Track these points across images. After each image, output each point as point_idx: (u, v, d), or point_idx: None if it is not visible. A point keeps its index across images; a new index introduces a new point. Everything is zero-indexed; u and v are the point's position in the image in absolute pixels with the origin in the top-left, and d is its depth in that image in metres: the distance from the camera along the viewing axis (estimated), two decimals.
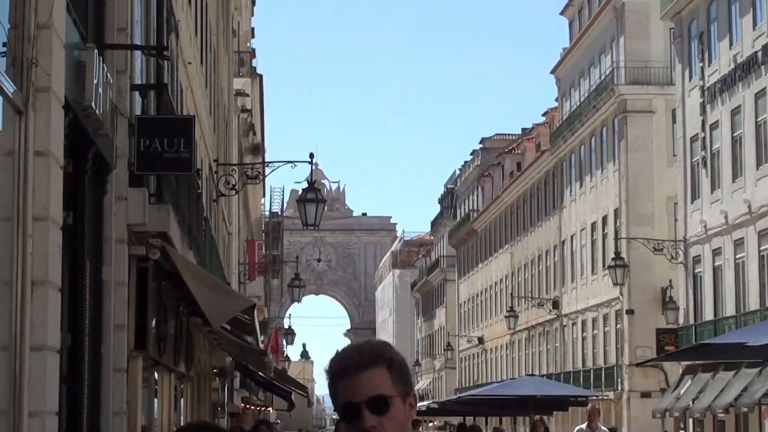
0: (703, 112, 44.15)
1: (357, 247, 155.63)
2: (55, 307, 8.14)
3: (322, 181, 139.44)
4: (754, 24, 40.26)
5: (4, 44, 7.78)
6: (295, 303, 56.36)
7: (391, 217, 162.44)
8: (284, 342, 59.62)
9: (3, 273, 7.69)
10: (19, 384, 7.65)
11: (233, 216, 38.99)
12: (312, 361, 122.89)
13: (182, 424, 16.80)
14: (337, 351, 3.49)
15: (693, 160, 45.46)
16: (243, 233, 49.61)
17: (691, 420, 44.53)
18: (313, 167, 23.20)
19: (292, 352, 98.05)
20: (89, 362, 10.59)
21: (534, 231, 70.63)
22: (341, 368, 3.38)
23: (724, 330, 39.30)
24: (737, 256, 41.39)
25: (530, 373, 54.61)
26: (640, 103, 53.28)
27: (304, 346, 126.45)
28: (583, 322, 60.06)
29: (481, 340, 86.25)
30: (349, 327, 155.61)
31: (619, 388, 53.22)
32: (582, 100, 59.89)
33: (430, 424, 64.68)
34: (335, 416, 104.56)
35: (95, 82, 9.78)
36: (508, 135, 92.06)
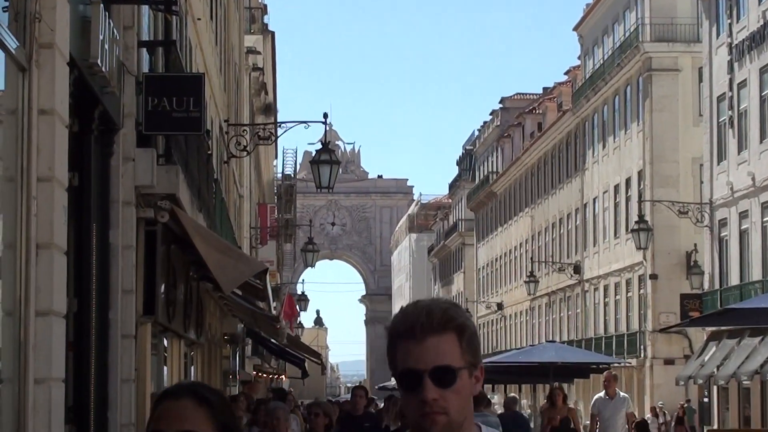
0: (731, 70, 43.69)
1: (372, 210, 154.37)
2: (60, 271, 8.14)
3: (337, 142, 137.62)
4: None
5: None
6: (309, 268, 55.56)
7: (407, 179, 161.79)
8: (297, 308, 58.81)
9: (7, 236, 7.66)
10: (25, 350, 7.63)
11: (244, 178, 38.78)
12: (326, 328, 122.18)
13: None
14: (402, 308, 3.23)
15: (720, 120, 45.13)
16: (254, 196, 49.72)
17: (715, 387, 44.39)
18: (327, 128, 22.92)
19: (306, 318, 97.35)
20: (96, 328, 10.66)
21: (555, 194, 70.48)
22: (406, 329, 3.13)
23: (751, 295, 38.92)
24: (765, 219, 41.17)
25: (551, 339, 54.05)
26: (665, 61, 53.23)
27: (318, 312, 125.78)
28: (606, 288, 60.00)
29: (500, 306, 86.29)
30: (364, 293, 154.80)
31: (642, 355, 53.25)
32: (605, 58, 59.81)
33: None
34: (350, 384, 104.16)
35: (101, 38, 9.71)
36: (529, 94, 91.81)
